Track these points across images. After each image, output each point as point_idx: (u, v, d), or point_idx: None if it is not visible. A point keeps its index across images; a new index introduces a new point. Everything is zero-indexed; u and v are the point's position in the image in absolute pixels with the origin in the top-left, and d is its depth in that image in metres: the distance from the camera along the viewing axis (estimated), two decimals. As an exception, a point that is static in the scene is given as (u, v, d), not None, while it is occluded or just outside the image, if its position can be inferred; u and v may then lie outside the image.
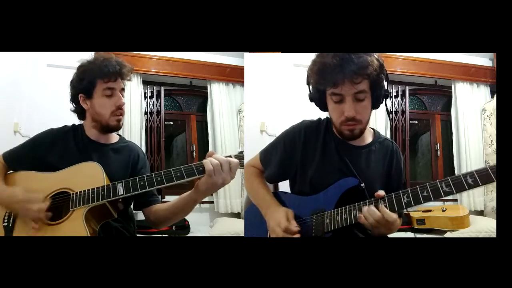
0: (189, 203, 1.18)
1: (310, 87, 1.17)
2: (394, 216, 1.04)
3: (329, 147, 1.18)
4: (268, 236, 1.20)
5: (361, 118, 1.12)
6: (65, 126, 1.29)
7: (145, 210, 1.27)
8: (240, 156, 1.14)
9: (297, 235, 1.12)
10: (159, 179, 1.13)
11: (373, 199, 1.08)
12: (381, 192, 1.07)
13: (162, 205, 1.26)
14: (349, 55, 1.07)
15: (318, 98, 1.15)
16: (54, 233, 1.13)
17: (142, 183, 1.13)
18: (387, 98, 1.17)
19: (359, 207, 1.08)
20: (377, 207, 1.05)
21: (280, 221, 1.13)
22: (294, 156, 1.21)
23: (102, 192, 1.13)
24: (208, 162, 1.09)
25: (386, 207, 1.05)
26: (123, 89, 1.25)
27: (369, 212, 1.05)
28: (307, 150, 1.20)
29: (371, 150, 1.18)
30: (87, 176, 1.17)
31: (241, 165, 1.14)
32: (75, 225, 1.12)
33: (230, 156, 1.13)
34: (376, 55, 1.11)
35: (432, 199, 1.02)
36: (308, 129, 1.22)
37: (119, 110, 1.23)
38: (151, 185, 1.13)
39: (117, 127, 1.25)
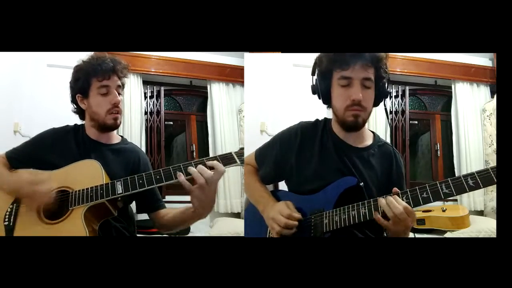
0: (193, 218, 1.18)
1: (314, 78, 1.17)
2: (412, 209, 1.01)
3: (327, 147, 1.18)
4: (268, 231, 1.20)
5: (366, 105, 1.12)
6: (66, 126, 1.29)
7: (151, 214, 1.28)
8: (240, 153, 1.14)
9: (294, 230, 1.12)
10: (158, 177, 1.13)
11: (371, 199, 1.08)
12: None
13: (168, 212, 1.26)
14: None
15: (323, 85, 1.15)
16: (53, 232, 1.13)
17: (141, 181, 1.13)
18: (387, 97, 1.17)
19: (358, 208, 1.08)
20: (394, 198, 1.02)
21: (281, 209, 1.13)
22: (290, 157, 1.21)
23: (101, 191, 1.13)
24: (184, 180, 1.09)
25: (410, 203, 1.02)
26: (119, 87, 1.25)
27: (389, 205, 1.01)
28: (303, 151, 1.20)
29: (370, 153, 1.18)
30: (86, 174, 1.17)
31: (242, 162, 1.14)
32: (74, 224, 1.12)
33: (230, 153, 1.13)
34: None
35: (432, 200, 1.01)
36: (304, 129, 1.22)
37: (115, 108, 1.23)
38: (150, 184, 1.13)
39: (114, 126, 1.25)
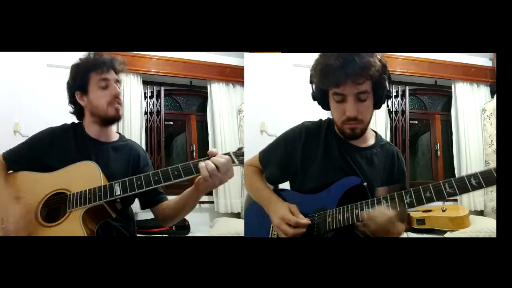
0: (191, 199, 1.19)
1: (313, 86, 1.17)
2: (388, 212, 1.03)
3: (331, 147, 1.19)
4: (270, 233, 1.20)
5: (362, 118, 1.12)
6: (64, 125, 1.29)
7: (153, 208, 1.27)
8: (239, 153, 1.14)
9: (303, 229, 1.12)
10: (156, 178, 1.12)
11: (375, 198, 1.08)
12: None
13: (168, 203, 1.26)
14: (352, 56, 1.07)
15: (320, 97, 1.16)
16: (51, 234, 1.13)
17: (139, 182, 1.13)
18: (389, 98, 1.18)
19: (361, 206, 1.08)
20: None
21: (285, 216, 1.13)
22: (294, 157, 1.21)
23: (99, 193, 1.13)
24: (204, 168, 1.09)
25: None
26: (118, 81, 1.25)
27: (370, 219, 1.05)
28: (307, 150, 1.20)
29: (373, 153, 1.19)
30: (83, 175, 1.16)
31: (241, 162, 1.14)
32: (72, 227, 1.11)
33: (228, 154, 1.13)
34: (379, 55, 1.11)
35: (435, 200, 1.02)
36: (308, 130, 1.22)
37: (116, 99, 1.23)
38: (148, 185, 1.13)
39: (116, 117, 1.24)
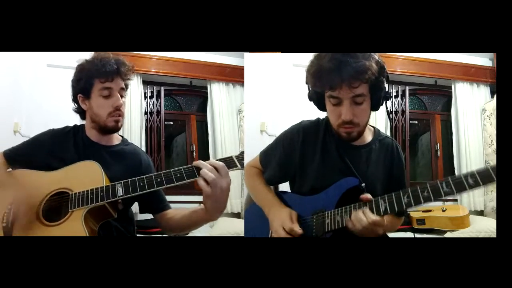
0: (202, 221, 1.17)
1: (309, 86, 1.17)
2: (377, 219, 1.04)
3: (329, 147, 1.18)
4: (270, 236, 1.20)
5: (358, 121, 1.11)
6: (66, 127, 1.28)
7: (156, 216, 1.26)
8: (241, 156, 1.13)
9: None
10: (158, 180, 1.12)
11: (373, 198, 1.08)
12: (367, 196, 1.07)
13: (175, 214, 1.24)
14: (347, 58, 1.05)
15: (316, 98, 1.15)
16: (53, 234, 1.13)
17: (141, 184, 1.12)
18: (388, 100, 1.16)
19: (359, 207, 1.08)
20: (363, 212, 1.05)
21: (284, 222, 1.13)
22: (293, 157, 1.21)
23: (101, 193, 1.12)
24: (201, 180, 1.06)
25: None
26: (122, 89, 1.23)
27: (357, 219, 1.05)
28: (306, 150, 1.20)
29: (372, 149, 1.19)
30: (86, 175, 1.16)
31: (242, 166, 1.13)
32: (74, 226, 1.11)
33: (231, 157, 1.12)
34: (376, 56, 1.09)
35: (432, 199, 1.02)
36: (306, 129, 1.22)
37: (117, 111, 1.21)
38: (151, 186, 1.12)
39: (115, 128, 1.23)
